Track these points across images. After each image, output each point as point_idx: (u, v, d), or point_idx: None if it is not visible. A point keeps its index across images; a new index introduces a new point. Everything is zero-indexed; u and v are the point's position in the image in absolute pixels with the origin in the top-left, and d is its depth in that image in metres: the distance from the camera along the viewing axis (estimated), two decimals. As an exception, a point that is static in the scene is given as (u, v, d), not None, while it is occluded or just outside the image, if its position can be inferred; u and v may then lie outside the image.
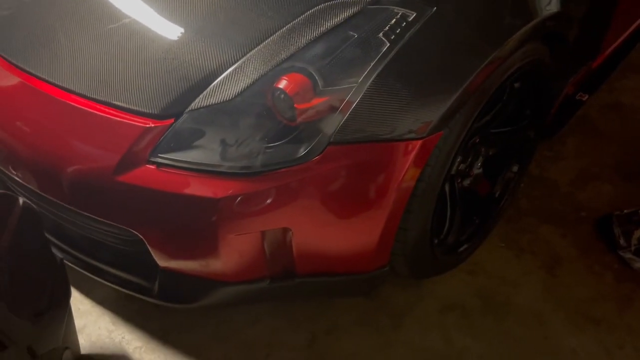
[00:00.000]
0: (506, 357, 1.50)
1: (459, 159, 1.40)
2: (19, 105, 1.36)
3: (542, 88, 1.60)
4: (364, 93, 1.15)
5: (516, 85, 1.47)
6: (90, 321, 1.61)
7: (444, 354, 1.51)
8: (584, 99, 2.05)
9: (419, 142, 1.18)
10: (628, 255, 1.70)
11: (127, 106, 1.21)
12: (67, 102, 1.27)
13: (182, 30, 1.28)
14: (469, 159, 1.55)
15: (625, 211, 1.80)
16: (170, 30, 1.29)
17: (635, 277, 1.66)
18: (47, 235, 1.52)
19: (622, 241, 1.72)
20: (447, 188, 1.47)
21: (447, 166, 1.29)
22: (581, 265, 1.71)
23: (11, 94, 1.38)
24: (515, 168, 1.73)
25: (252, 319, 1.58)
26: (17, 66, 1.36)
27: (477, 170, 1.61)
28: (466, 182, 1.59)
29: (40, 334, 1.27)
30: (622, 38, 2.12)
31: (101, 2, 1.39)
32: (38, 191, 1.37)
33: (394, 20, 1.19)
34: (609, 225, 1.78)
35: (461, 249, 1.64)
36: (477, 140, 1.52)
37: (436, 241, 1.48)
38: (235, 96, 1.16)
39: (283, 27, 1.21)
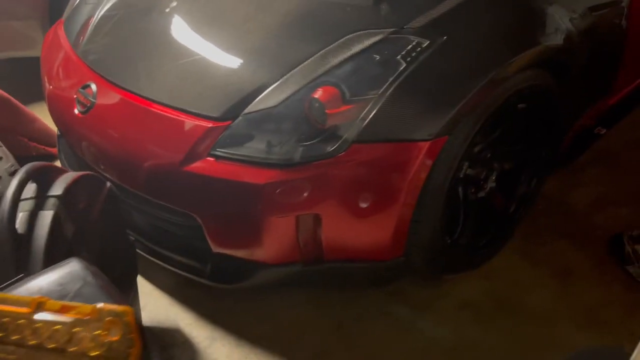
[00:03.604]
0: (514, 350, 1.65)
1: (466, 164, 1.62)
2: (112, 114, 1.71)
3: (550, 114, 1.81)
4: (383, 102, 1.42)
5: (520, 106, 1.69)
6: (151, 301, 1.88)
7: (457, 344, 1.67)
8: (602, 132, 2.23)
9: (427, 144, 1.43)
10: (635, 270, 1.83)
11: (196, 111, 1.53)
12: (149, 108, 1.60)
13: (241, 53, 1.62)
14: (483, 171, 1.76)
15: (635, 232, 1.94)
16: (232, 54, 1.62)
17: (641, 289, 1.79)
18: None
19: (631, 257, 1.86)
20: (460, 193, 1.69)
21: (454, 168, 1.52)
22: (592, 275, 1.86)
23: (107, 105, 1.73)
24: (528, 185, 1.92)
25: (288, 305, 1.81)
26: (112, 83, 1.72)
27: (491, 184, 1.82)
28: (481, 194, 1.80)
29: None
30: (638, 80, 2.31)
31: (179, 36, 1.75)
32: (120, 183, 1.69)
33: (410, 46, 1.47)
34: (620, 243, 1.92)
35: (476, 253, 1.82)
36: (489, 155, 1.74)
37: (449, 240, 1.69)
38: (280, 103, 1.46)
39: (320, 50, 1.51)
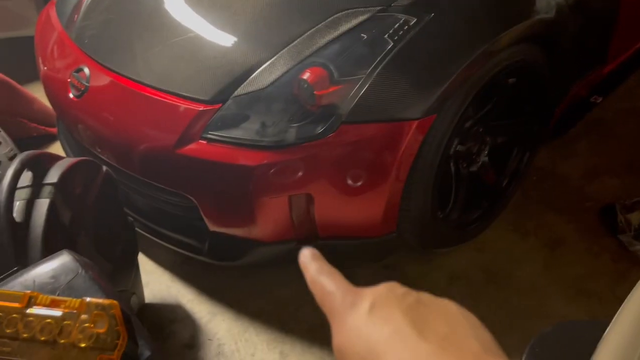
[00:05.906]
0: (504, 322, 1.70)
1: (456, 141, 1.64)
2: (106, 98, 1.73)
3: (540, 87, 1.81)
4: (371, 82, 1.43)
5: (510, 81, 1.70)
6: (153, 279, 1.94)
7: (448, 316, 1.72)
8: (598, 101, 2.23)
9: (415, 123, 1.44)
10: (627, 239, 1.86)
11: (186, 94, 1.54)
12: (142, 92, 1.62)
13: (229, 36, 1.62)
14: (475, 146, 1.78)
15: (628, 201, 1.96)
16: (220, 37, 1.63)
17: (631, 258, 1.82)
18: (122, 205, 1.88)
19: (623, 226, 1.88)
20: (452, 168, 1.71)
21: (443, 146, 1.53)
22: (581, 246, 1.89)
23: (101, 89, 1.75)
24: (521, 159, 1.94)
25: (284, 281, 1.86)
26: (104, 66, 1.74)
27: (483, 158, 1.83)
28: (473, 168, 1.82)
29: (113, 273, 1.61)
30: (634, 48, 2.29)
31: (169, 18, 1.75)
32: (118, 166, 1.73)
33: (398, 24, 1.47)
34: (612, 213, 1.94)
35: (469, 227, 1.86)
36: (480, 129, 1.75)
37: (440, 215, 1.72)
38: (269, 85, 1.47)
39: (308, 30, 1.51)
